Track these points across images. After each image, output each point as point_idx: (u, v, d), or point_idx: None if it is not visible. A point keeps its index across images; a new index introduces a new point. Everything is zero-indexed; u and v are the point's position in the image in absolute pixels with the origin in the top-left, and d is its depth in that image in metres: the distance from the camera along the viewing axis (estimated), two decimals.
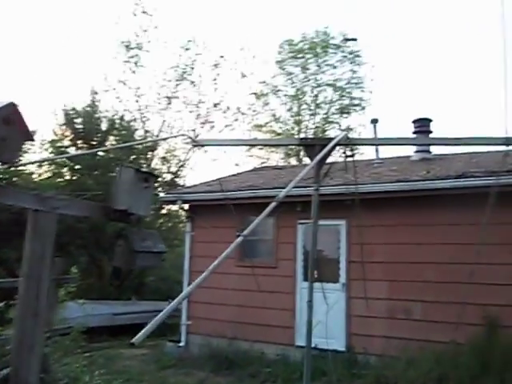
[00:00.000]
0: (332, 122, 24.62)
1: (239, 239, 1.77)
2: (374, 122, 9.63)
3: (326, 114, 25.15)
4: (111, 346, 8.45)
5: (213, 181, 9.69)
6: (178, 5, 28.68)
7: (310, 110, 25.21)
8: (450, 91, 30.03)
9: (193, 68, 17.19)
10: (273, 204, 2.14)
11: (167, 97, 16.92)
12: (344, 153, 3.67)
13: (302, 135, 24.78)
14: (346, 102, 25.09)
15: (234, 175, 10.78)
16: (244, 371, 7.15)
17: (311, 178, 8.02)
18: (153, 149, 14.90)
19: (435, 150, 9.97)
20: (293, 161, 23.25)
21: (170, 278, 12.58)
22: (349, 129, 24.64)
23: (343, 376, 6.64)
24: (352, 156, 3.75)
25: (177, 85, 17.11)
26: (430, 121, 9.71)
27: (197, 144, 4.17)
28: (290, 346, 7.59)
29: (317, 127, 24.64)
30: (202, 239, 8.67)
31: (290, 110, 25.57)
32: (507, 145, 3.03)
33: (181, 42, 17.28)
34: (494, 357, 5.84)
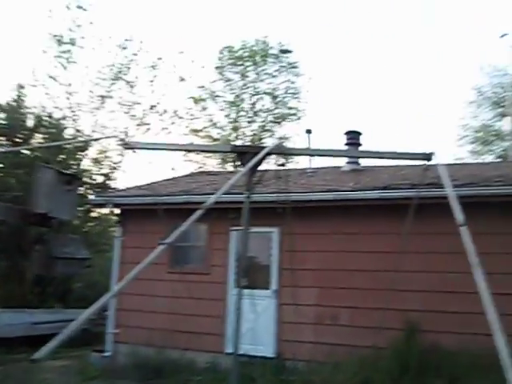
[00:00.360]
0: (269, 130, 24.98)
1: (161, 247, 1.72)
2: (308, 132, 9.89)
3: (263, 121, 25.52)
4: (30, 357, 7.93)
5: (146, 185, 9.46)
6: (116, 2, 27.89)
7: (248, 117, 25.47)
8: (381, 105, 31.58)
9: (129, 68, 16.74)
10: (199, 211, 2.11)
11: (101, 96, 16.32)
12: (276, 161, 3.72)
13: (240, 142, 24.92)
14: (283, 111, 25.63)
15: (168, 180, 10.59)
16: (172, 380, 6.99)
17: (245, 185, 8.06)
18: (83, 149, 14.27)
19: (365, 161, 10.42)
20: (229, 167, 23.32)
21: (99, 284, 12.07)
22: (284, 138, 25.18)
23: (271, 382, 6.70)
24: (284, 165, 3.81)
25: (112, 84, 16.56)
26: (360, 134, 10.14)
27: (128, 146, 4.04)
28: (221, 353, 7.54)
29: (254, 134, 24.90)
30: (133, 245, 8.41)
31: (227, 116, 25.68)
32: (427, 160, 3.22)
33: (117, 41, 16.76)
34: (413, 360, 6.16)
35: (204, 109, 24.62)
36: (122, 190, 9.69)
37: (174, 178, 10.88)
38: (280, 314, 7.49)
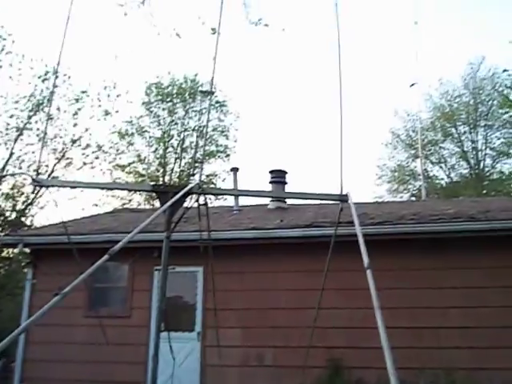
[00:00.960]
0: (197, 167, 24.97)
1: (57, 298, 1.58)
2: (235, 170, 9.98)
3: (191, 158, 25.50)
4: None
5: (62, 222, 8.92)
6: (37, 32, 27.01)
7: (176, 153, 25.35)
8: (306, 145, 32.87)
9: (50, 100, 16.07)
10: (105, 257, 1.99)
11: (17, 128, 15.45)
12: (197, 201, 3.66)
13: (167, 178, 24.63)
14: (212, 148, 25.84)
15: (88, 217, 10.10)
16: None
17: (173, 223, 7.87)
18: None
19: (290, 200, 10.65)
20: (156, 203, 22.82)
21: (8, 331, 10.99)
22: (213, 175, 25.31)
23: None
24: (205, 204, 3.76)
25: (29, 116, 15.77)
26: (285, 172, 10.39)
27: (39, 184, 3.79)
28: None
29: (182, 171, 24.76)
30: (46, 287, 7.78)
31: (155, 151, 25.37)
32: (342, 201, 3.34)
33: (38, 71, 16.10)
34: None
35: (131, 144, 24.15)
36: (35, 229, 9.07)
37: (94, 216, 10.40)
38: (205, 357, 7.24)
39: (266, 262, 7.35)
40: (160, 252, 7.57)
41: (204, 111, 25.98)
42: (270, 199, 10.26)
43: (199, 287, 7.54)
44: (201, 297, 7.50)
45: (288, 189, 10.16)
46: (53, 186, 3.93)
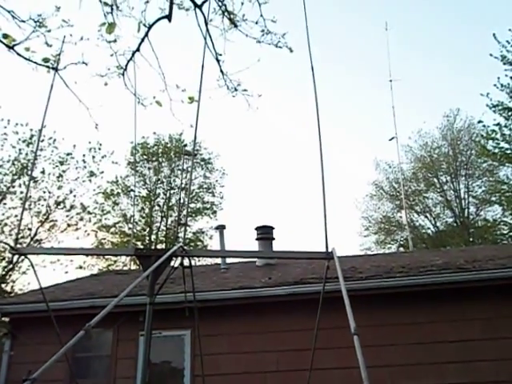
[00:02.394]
0: (184, 225, 24.84)
1: None
2: (221, 228, 9.91)
3: (177, 216, 25.42)
4: None
5: (41, 288, 8.64)
6: (23, 97, 27.53)
7: (162, 211, 25.28)
8: (290, 201, 33.12)
9: (34, 164, 16.14)
10: (81, 333, 1.88)
11: (0, 192, 15.36)
12: (181, 264, 3.59)
13: (153, 237, 24.37)
14: (198, 205, 25.86)
15: (71, 281, 9.81)
16: None
17: (156, 285, 7.68)
18: None
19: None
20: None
21: None
22: (201, 232, 25.14)
23: None
24: (189, 267, 3.68)
25: (13, 180, 15.73)
26: (272, 228, 10.35)
27: (17, 253, 3.69)
28: None
29: (168, 229, 24.58)
30: (25, 360, 7.41)
31: (141, 211, 25.28)
32: (328, 259, 3.30)
33: (23, 135, 16.26)
34: None
35: (116, 204, 24.07)
36: (13, 296, 8.76)
37: (78, 279, 10.12)
38: None
39: (255, 322, 7.14)
40: (145, 316, 7.36)
41: (189, 169, 26.31)
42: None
43: (187, 352, 7.23)
44: (189, 362, 7.17)
45: (275, 244, 10.08)
46: (31, 253, 3.82)
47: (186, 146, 24.52)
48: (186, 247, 3.50)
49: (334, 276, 6.16)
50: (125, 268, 19.82)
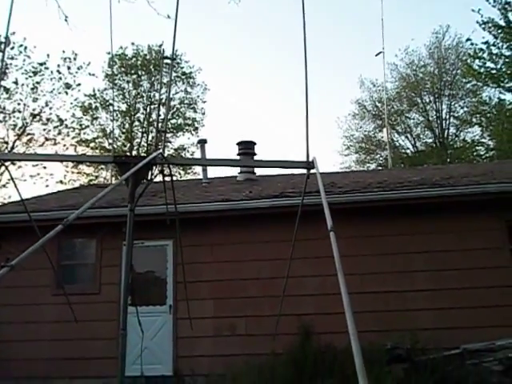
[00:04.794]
0: (163, 132, 24.51)
1: (3, 270, 1.50)
2: (202, 142, 9.84)
3: (156, 122, 24.94)
4: None
5: (22, 200, 8.63)
6: None
7: (143, 127, 24.79)
8: (273, 117, 32.74)
9: (5, 72, 15.34)
10: (59, 227, 1.90)
11: None
12: (161, 172, 3.57)
13: (134, 152, 24.10)
14: (179, 121, 25.38)
15: (52, 193, 9.81)
16: None
17: (143, 197, 7.75)
18: None
19: (259, 170, 10.64)
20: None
21: None
22: (182, 148, 24.93)
23: None
24: (170, 175, 3.68)
25: None
26: (254, 143, 10.32)
27: None
28: (115, 377, 7.08)
29: (149, 145, 24.28)
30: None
31: (121, 126, 24.74)
32: (308, 168, 3.31)
33: None
34: (308, 363, 6.34)
35: (95, 118, 23.43)
36: None
37: (59, 192, 10.11)
38: (177, 329, 7.26)
39: (235, 233, 7.35)
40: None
41: (170, 83, 25.40)
42: (239, 171, 10.20)
43: (169, 261, 7.50)
44: (171, 270, 7.47)
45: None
46: (10, 160, 3.75)
47: (167, 57, 23.40)
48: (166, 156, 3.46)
49: (314, 190, 6.30)
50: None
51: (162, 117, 24.71)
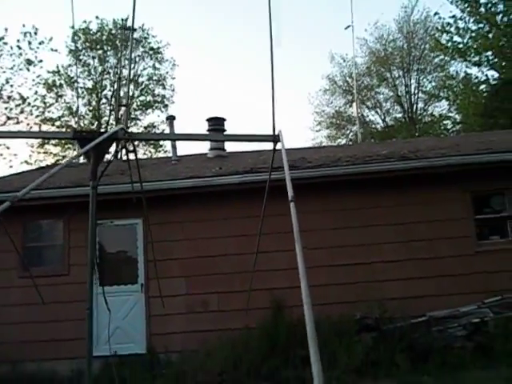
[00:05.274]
0: (134, 119, 24.02)
1: None
2: (171, 118, 9.65)
3: (117, 95, 24.32)
4: None
5: None
6: None
7: (111, 105, 24.13)
8: (242, 93, 32.41)
9: None
10: (5, 204, 1.80)
11: None
12: (125, 147, 3.47)
13: (103, 131, 23.47)
14: (148, 98, 24.82)
15: (16, 174, 9.49)
16: None
17: (109, 176, 7.55)
18: None
19: (229, 147, 10.54)
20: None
21: None
22: (152, 126, 24.45)
23: (144, 380, 6.46)
24: (134, 151, 3.58)
25: None
26: (224, 120, 10.20)
27: None
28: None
29: (118, 123, 23.66)
30: None
31: (88, 104, 24.01)
32: (275, 141, 3.28)
33: None
34: (280, 336, 6.44)
35: (59, 96, 22.64)
36: None
37: (23, 172, 9.79)
38: (149, 307, 7.24)
39: (205, 210, 7.31)
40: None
41: (137, 60, 24.71)
42: (209, 148, 10.09)
43: (139, 239, 7.41)
44: (142, 249, 7.39)
45: None
46: None
47: (126, 21, 22.53)
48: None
49: (282, 166, 6.27)
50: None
51: (118, 86, 24.08)
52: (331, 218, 7.16)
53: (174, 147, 9.77)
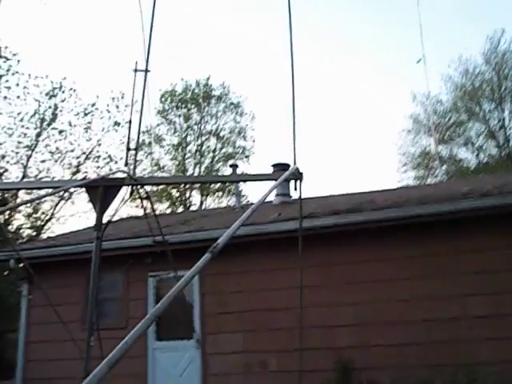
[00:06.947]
0: (217, 170, 24.67)
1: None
2: (234, 166, 9.54)
3: (211, 162, 25.22)
4: None
5: (61, 235, 8.73)
6: (40, 49, 27.47)
7: (195, 159, 25.11)
8: (322, 140, 32.11)
9: (56, 115, 16.10)
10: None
11: (28, 146, 15.55)
12: (135, 192, 3.23)
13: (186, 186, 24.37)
14: (230, 150, 25.52)
15: (87, 228, 9.85)
16: None
17: (169, 227, 7.49)
18: (5, 202, 13.29)
19: (295, 194, 10.09)
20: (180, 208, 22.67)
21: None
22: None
23: None
24: (148, 198, 3.33)
25: (38, 134, 15.84)
26: (289, 165, 9.85)
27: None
28: None
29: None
30: (42, 303, 7.57)
31: (174, 159, 25.22)
32: (295, 180, 2.88)
33: (45, 88, 16.15)
34: None
35: (149, 154, 24.07)
36: (27, 242, 8.89)
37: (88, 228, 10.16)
38: (205, 365, 6.80)
39: (262, 260, 6.86)
40: (152, 257, 7.26)
41: (219, 115, 25.78)
42: (275, 194, 9.75)
43: (195, 292, 7.11)
44: (198, 301, 7.07)
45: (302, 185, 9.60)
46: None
47: (213, 89, 23.62)
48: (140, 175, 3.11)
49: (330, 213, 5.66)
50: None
51: (214, 148, 25.01)
52: (404, 266, 6.32)
53: (237, 195, 9.59)
